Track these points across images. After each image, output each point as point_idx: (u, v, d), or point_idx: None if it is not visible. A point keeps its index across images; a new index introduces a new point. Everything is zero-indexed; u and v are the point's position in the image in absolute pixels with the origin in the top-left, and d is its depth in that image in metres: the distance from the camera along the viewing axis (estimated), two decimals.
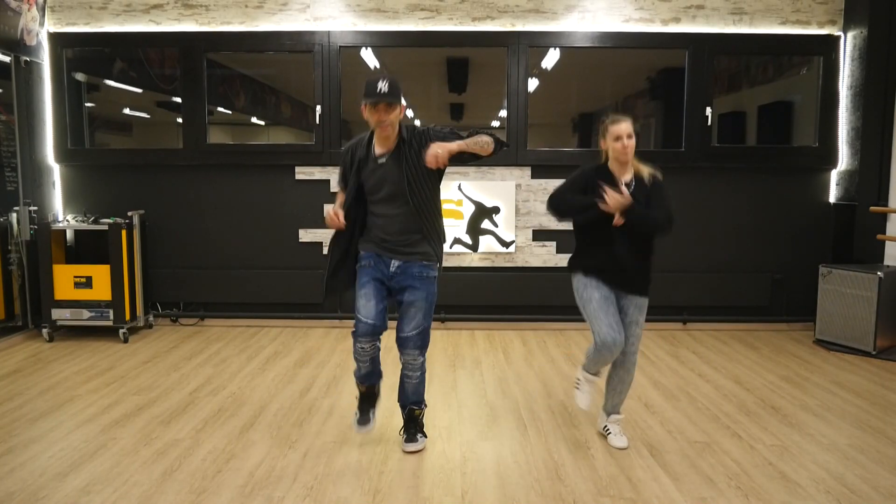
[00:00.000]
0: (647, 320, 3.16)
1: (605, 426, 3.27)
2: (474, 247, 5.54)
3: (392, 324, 3.06)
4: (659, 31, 5.38)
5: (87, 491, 2.73)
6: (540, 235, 5.58)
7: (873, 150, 5.21)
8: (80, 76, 5.70)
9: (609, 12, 5.37)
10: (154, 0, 5.42)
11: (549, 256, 5.58)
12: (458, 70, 6.01)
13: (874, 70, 5.16)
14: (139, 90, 5.88)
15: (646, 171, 3.04)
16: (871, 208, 5.09)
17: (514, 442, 3.27)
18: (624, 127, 2.95)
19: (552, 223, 5.55)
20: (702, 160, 5.47)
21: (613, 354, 3.01)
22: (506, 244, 5.54)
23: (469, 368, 4.49)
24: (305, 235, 5.59)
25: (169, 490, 2.74)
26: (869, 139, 5.22)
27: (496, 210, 5.50)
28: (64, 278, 5.08)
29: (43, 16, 5.39)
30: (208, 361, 4.60)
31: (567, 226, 5.60)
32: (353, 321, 3.01)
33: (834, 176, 5.56)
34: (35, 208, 5.19)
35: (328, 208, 3.00)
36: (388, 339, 3.18)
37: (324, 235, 5.55)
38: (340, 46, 5.38)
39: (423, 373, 3.16)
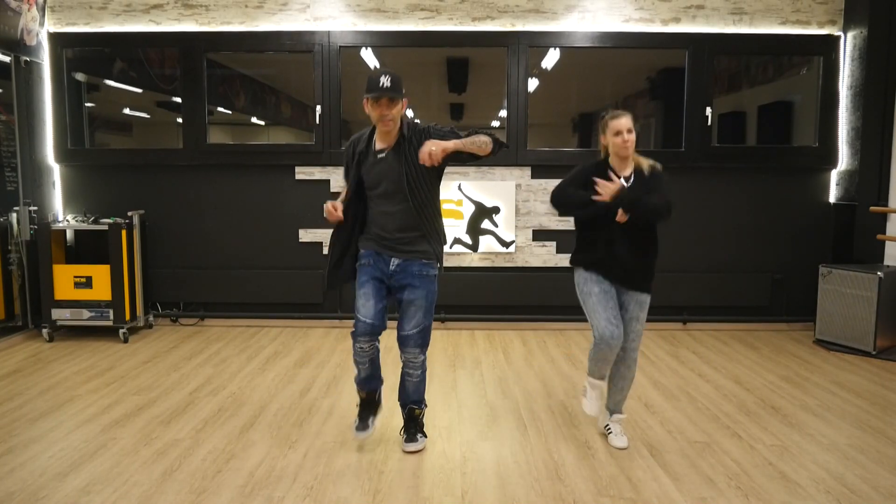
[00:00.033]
0: (647, 320, 3.16)
1: (607, 425, 3.27)
2: (474, 247, 5.54)
3: (392, 323, 3.06)
4: (659, 31, 5.39)
5: (87, 491, 2.73)
6: (540, 235, 5.58)
7: (873, 150, 5.21)
8: (80, 76, 5.70)
9: (609, 12, 5.37)
10: (154, 0, 5.42)
11: (549, 256, 5.58)
12: (458, 70, 6.01)
13: (874, 70, 5.16)
14: (139, 90, 5.88)
15: (645, 164, 3.04)
16: (871, 208, 5.09)
17: (514, 442, 3.27)
18: (624, 122, 2.95)
19: (552, 223, 5.55)
20: (702, 160, 5.47)
21: (612, 349, 3.00)
22: (506, 244, 5.54)
23: (469, 368, 4.49)
24: (305, 235, 5.59)
25: (169, 490, 2.75)
26: (869, 139, 5.22)
27: (496, 210, 5.50)
28: (64, 278, 5.08)
29: (43, 16, 5.39)
30: (208, 361, 4.60)
31: (567, 226, 5.63)
32: (353, 321, 3.01)
33: (834, 176, 5.56)
34: (35, 208, 5.19)
35: (327, 203, 3.02)
36: (388, 339, 3.18)
37: (324, 235, 5.55)
38: (340, 46, 5.38)
39: (424, 371, 3.16)
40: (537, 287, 5.55)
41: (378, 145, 2.97)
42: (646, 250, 3.05)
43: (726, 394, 3.98)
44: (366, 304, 2.99)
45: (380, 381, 3.19)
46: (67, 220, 5.33)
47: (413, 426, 3.19)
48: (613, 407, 3.25)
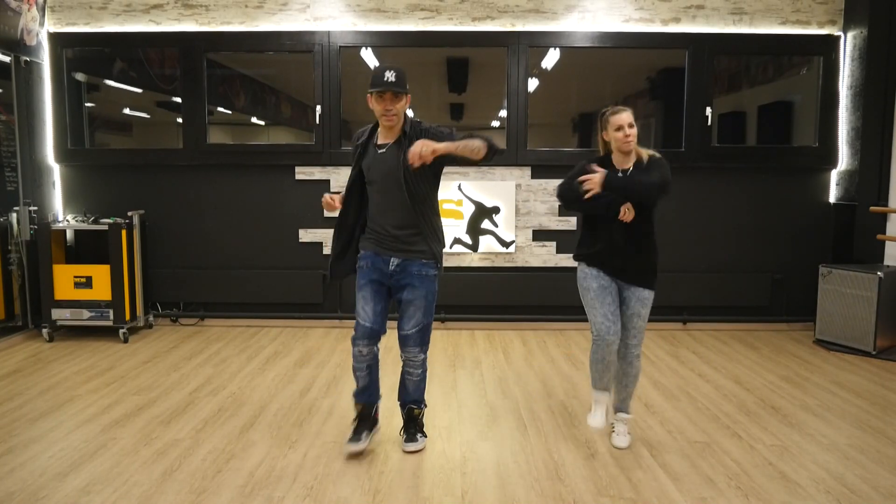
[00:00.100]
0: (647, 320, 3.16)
1: (612, 423, 3.27)
2: (474, 247, 5.54)
3: (393, 324, 3.06)
4: (659, 31, 5.39)
5: (87, 491, 2.73)
6: (540, 235, 5.58)
7: (873, 150, 5.21)
8: (80, 76, 5.70)
9: (609, 12, 5.37)
10: (154, 0, 5.42)
11: (549, 256, 5.58)
12: (458, 70, 6.00)
13: (874, 70, 5.16)
14: (139, 90, 5.88)
15: (646, 154, 3.04)
16: (871, 208, 5.09)
17: (514, 442, 3.27)
18: (625, 116, 2.95)
19: (552, 223, 5.56)
20: (702, 160, 5.47)
21: (610, 346, 3.00)
22: (506, 244, 5.54)
23: (469, 368, 4.49)
24: (305, 235, 5.59)
25: (169, 490, 2.75)
26: (869, 139, 5.22)
27: (496, 210, 5.51)
28: (64, 278, 5.08)
29: (43, 16, 5.39)
30: (208, 361, 4.60)
31: (567, 226, 5.63)
32: (354, 323, 3.02)
33: (834, 176, 5.56)
34: (35, 208, 5.19)
35: (326, 194, 3.04)
36: (389, 339, 3.18)
37: (324, 235, 5.55)
38: (340, 46, 5.38)
39: (424, 371, 3.16)
40: (537, 287, 5.55)
41: (380, 140, 2.99)
42: (643, 244, 3.04)
43: (726, 394, 3.98)
44: (364, 308, 3.00)
45: (376, 395, 3.18)
46: (67, 220, 5.33)
47: (413, 426, 3.19)
48: (619, 405, 3.25)
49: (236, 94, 6.13)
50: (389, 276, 3.01)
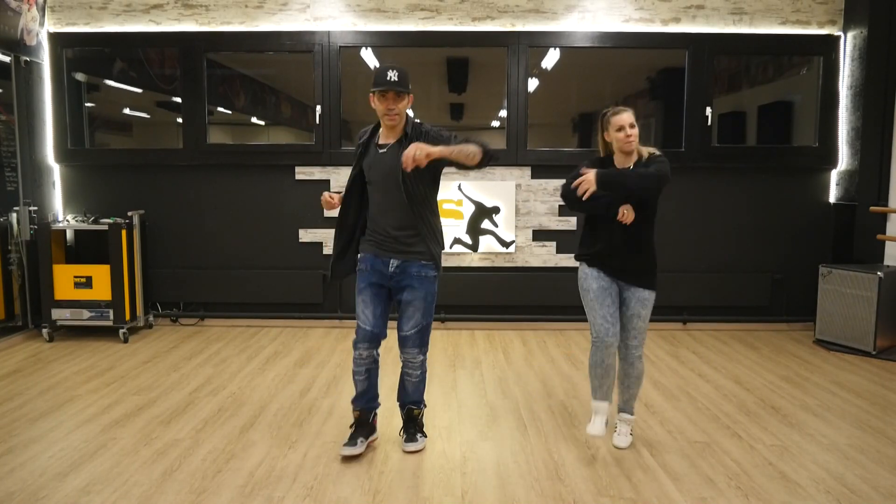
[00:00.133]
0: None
1: (615, 423, 3.27)
2: (474, 247, 5.54)
3: (392, 325, 3.06)
4: (659, 31, 5.39)
5: (87, 491, 2.73)
6: (540, 235, 5.58)
7: (873, 150, 5.21)
8: (80, 76, 5.70)
9: (609, 12, 5.37)
10: (154, 0, 5.42)
11: (549, 256, 5.58)
12: (458, 70, 6.00)
13: (874, 70, 5.16)
14: (139, 90, 5.88)
15: (646, 152, 3.04)
16: (871, 208, 5.09)
17: (514, 442, 3.27)
18: (626, 117, 2.95)
19: (552, 223, 5.56)
20: (702, 160, 5.47)
21: (608, 348, 3.00)
22: (506, 244, 5.54)
23: (469, 368, 4.49)
24: (305, 235, 5.59)
25: (169, 490, 2.75)
26: (869, 139, 5.22)
27: (496, 210, 5.51)
28: (64, 278, 5.08)
29: (43, 16, 5.39)
30: (208, 361, 4.60)
31: (567, 226, 5.63)
32: (354, 323, 3.02)
33: (834, 176, 5.56)
34: (35, 208, 5.19)
35: (325, 193, 3.05)
36: (389, 340, 3.17)
37: (324, 235, 5.55)
38: (340, 46, 5.38)
39: (424, 372, 3.16)
40: (537, 287, 5.55)
41: (381, 140, 2.99)
42: (642, 245, 3.03)
43: (726, 394, 3.98)
44: (364, 311, 3.01)
45: (374, 402, 3.18)
46: (67, 220, 5.33)
47: (412, 426, 3.19)
48: (622, 406, 3.25)
49: (236, 94, 6.13)
50: (389, 277, 3.01)
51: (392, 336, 3.11)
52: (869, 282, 4.78)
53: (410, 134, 2.92)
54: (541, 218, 5.55)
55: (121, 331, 5.07)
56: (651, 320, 3.18)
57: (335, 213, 3.12)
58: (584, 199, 2.88)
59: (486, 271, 5.60)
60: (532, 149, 5.48)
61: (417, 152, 2.65)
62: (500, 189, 5.49)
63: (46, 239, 5.07)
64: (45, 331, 5.06)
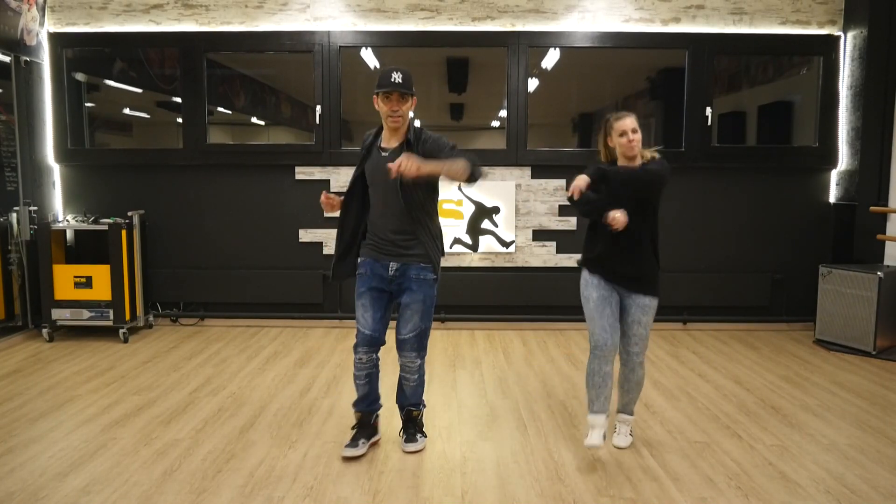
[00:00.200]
0: None
1: (615, 423, 3.27)
2: (474, 247, 5.54)
3: (393, 324, 3.07)
4: (659, 31, 5.39)
5: (87, 491, 2.73)
6: (540, 235, 5.58)
7: (873, 150, 5.21)
8: (80, 76, 5.70)
9: (609, 12, 5.37)
10: (154, 0, 5.42)
11: (548, 256, 5.58)
12: (458, 70, 6.00)
13: (874, 70, 5.16)
14: (139, 90, 5.88)
15: (648, 155, 3.04)
16: (871, 208, 5.09)
17: (514, 442, 3.27)
18: (629, 122, 2.94)
19: (552, 223, 5.56)
20: (702, 160, 5.47)
21: (606, 357, 2.99)
22: (506, 244, 5.54)
23: (469, 368, 4.49)
24: (305, 235, 5.59)
25: (169, 490, 2.75)
26: (869, 139, 5.22)
27: (496, 210, 5.51)
28: (64, 278, 5.08)
29: (43, 16, 5.39)
30: (208, 361, 4.60)
31: (567, 226, 5.63)
32: (353, 323, 3.02)
33: (834, 176, 5.56)
34: (35, 208, 5.19)
35: (323, 193, 3.06)
36: (388, 339, 3.18)
37: (324, 235, 5.55)
38: (340, 46, 5.38)
39: (422, 376, 3.16)
40: (537, 287, 5.55)
41: (383, 143, 3.00)
42: (643, 251, 3.02)
43: (726, 394, 3.98)
44: (364, 315, 3.02)
45: (376, 404, 3.18)
46: (67, 220, 5.33)
47: (412, 427, 3.19)
48: (622, 408, 3.25)
49: (236, 94, 6.13)
50: (389, 281, 3.01)
51: (392, 337, 3.11)
52: (869, 282, 4.78)
53: (412, 140, 2.93)
54: (541, 218, 5.55)
55: (121, 331, 5.07)
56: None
57: (333, 213, 3.12)
58: (575, 198, 2.88)
59: (486, 271, 5.60)
60: (532, 149, 5.48)
61: (408, 166, 2.65)
62: (500, 189, 5.49)
63: (46, 239, 5.07)
64: (45, 331, 5.06)
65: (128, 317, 5.11)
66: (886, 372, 4.43)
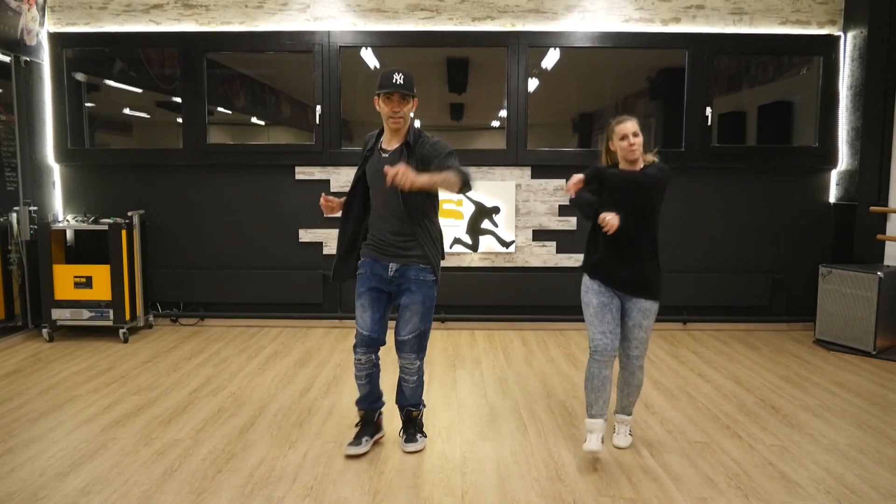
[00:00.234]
0: None
1: (614, 423, 3.28)
2: (474, 247, 5.54)
3: (392, 325, 3.06)
4: (659, 31, 5.39)
5: (87, 491, 2.73)
6: (540, 235, 5.58)
7: (873, 150, 5.21)
8: (80, 76, 5.70)
9: (609, 12, 5.37)
10: (154, 0, 5.42)
11: (549, 256, 5.58)
12: (458, 70, 6.00)
13: (874, 70, 5.16)
14: (139, 90, 5.88)
15: (650, 159, 3.04)
16: (871, 208, 5.09)
17: (514, 442, 3.27)
18: (630, 126, 2.94)
19: (552, 223, 5.56)
20: (702, 160, 5.47)
21: (605, 362, 2.98)
22: (506, 244, 5.54)
23: (469, 368, 4.49)
24: (305, 235, 5.59)
25: (169, 490, 2.75)
26: (869, 139, 5.22)
27: (496, 210, 5.51)
28: (64, 278, 5.08)
29: (43, 16, 5.39)
30: (208, 361, 4.60)
31: (567, 226, 5.63)
32: (353, 323, 3.02)
33: (834, 176, 5.56)
34: (35, 208, 5.19)
35: (322, 195, 3.07)
36: (388, 339, 3.18)
37: (324, 235, 5.55)
38: (340, 46, 5.38)
39: (421, 377, 3.16)
40: (537, 287, 5.55)
41: (384, 145, 3.00)
42: (643, 255, 3.01)
43: (726, 394, 3.98)
44: (362, 316, 3.02)
45: (378, 402, 3.19)
46: (67, 220, 5.33)
47: (412, 427, 3.19)
48: (621, 409, 3.25)
49: (236, 94, 6.13)
50: (389, 281, 3.01)
51: (391, 337, 3.11)
52: (869, 282, 4.78)
53: (412, 143, 2.93)
54: (541, 218, 5.55)
55: (121, 331, 5.07)
56: None
57: (336, 214, 3.12)
58: (572, 196, 2.91)
59: (486, 271, 5.60)
60: (532, 149, 5.48)
61: (402, 179, 2.65)
62: (500, 189, 5.49)
63: (46, 239, 5.07)
64: (45, 331, 5.06)
65: (128, 317, 5.11)
66: (886, 372, 4.43)
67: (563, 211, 5.51)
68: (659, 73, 5.89)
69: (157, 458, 3.03)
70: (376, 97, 2.91)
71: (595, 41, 5.38)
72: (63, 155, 5.55)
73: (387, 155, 2.96)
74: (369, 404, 3.16)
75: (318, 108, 5.43)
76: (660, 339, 5.22)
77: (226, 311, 5.65)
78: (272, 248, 5.61)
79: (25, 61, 5.16)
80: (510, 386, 4.13)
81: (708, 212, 5.56)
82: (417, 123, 3.17)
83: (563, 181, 5.44)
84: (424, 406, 3.26)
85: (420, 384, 3.17)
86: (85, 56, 5.65)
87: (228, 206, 5.60)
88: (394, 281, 3.01)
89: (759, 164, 5.53)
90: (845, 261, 5.33)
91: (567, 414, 3.64)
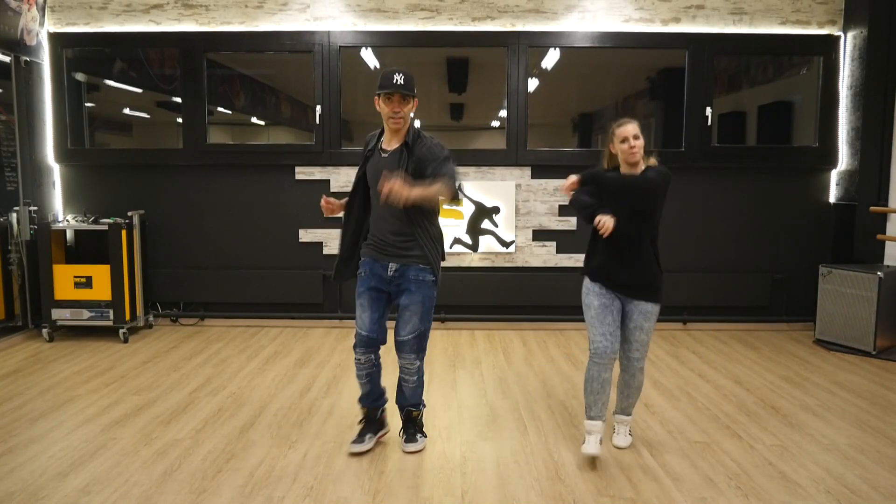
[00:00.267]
0: None
1: (614, 423, 3.28)
2: (474, 247, 5.54)
3: (392, 325, 3.07)
4: (659, 31, 5.39)
5: (87, 491, 2.73)
6: (540, 235, 5.58)
7: (873, 150, 5.21)
8: (80, 76, 5.70)
9: (609, 12, 5.37)
10: (154, 0, 5.42)
11: (549, 256, 5.58)
12: (458, 70, 6.00)
13: (874, 70, 5.16)
14: (139, 90, 5.88)
15: (651, 162, 3.04)
16: (871, 208, 5.09)
17: (514, 442, 3.27)
18: (630, 128, 2.94)
19: (552, 223, 5.56)
20: (702, 160, 5.47)
21: (605, 364, 2.98)
22: (506, 244, 5.54)
23: (469, 368, 4.49)
24: (305, 235, 5.59)
25: (169, 490, 2.75)
26: (869, 139, 5.22)
27: (496, 210, 5.51)
28: (64, 278, 5.08)
29: (43, 16, 5.39)
30: (208, 361, 4.60)
31: (567, 226, 5.63)
32: (353, 323, 3.02)
33: (834, 176, 5.56)
34: (35, 208, 5.19)
35: (323, 197, 3.08)
36: (388, 340, 3.18)
37: (324, 235, 5.55)
38: (340, 46, 5.38)
39: (421, 377, 3.16)
40: (537, 287, 5.55)
41: (384, 145, 3.01)
42: (643, 257, 3.01)
43: (726, 394, 3.98)
44: (362, 316, 3.03)
45: (381, 400, 3.20)
46: (67, 220, 5.33)
47: (412, 427, 3.19)
48: (621, 410, 3.25)
49: (236, 94, 6.13)
50: (388, 281, 3.02)
51: (391, 337, 3.11)
52: (869, 282, 4.78)
53: (411, 143, 2.94)
54: (541, 218, 5.55)
55: (121, 331, 5.07)
56: None
57: (339, 214, 3.13)
58: (568, 197, 2.94)
59: (486, 271, 5.60)
60: (532, 149, 5.48)
61: (396, 196, 2.66)
62: (500, 189, 5.49)
63: (46, 239, 5.07)
64: (45, 331, 5.06)
65: (128, 317, 5.11)
66: (886, 372, 4.43)
67: (563, 211, 5.51)
68: (659, 73, 5.89)
69: (157, 458, 3.03)
70: (376, 97, 2.92)
71: (595, 41, 5.38)
72: (63, 155, 5.55)
73: (386, 155, 2.97)
74: (371, 402, 3.17)
75: (318, 108, 5.43)
76: (660, 340, 5.22)
77: (226, 311, 5.65)
78: (272, 248, 5.61)
79: (25, 61, 5.16)
80: (510, 386, 4.13)
81: (708, 212, 5.56)
82: (418, 123, 3.17)
83: (563, 181, 5.44)
84: (424, 406, 3.26)
85: (420, 384, 3.17)
86: (85, 56, 5.65)
87: (228, 206, 5.60)
88: (393, 281, 3.01)
89: (758, 164, 5.53)
90: (845, 261, 5.33)
91: (567, 414, 3.64)
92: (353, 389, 3.93)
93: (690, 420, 3.56)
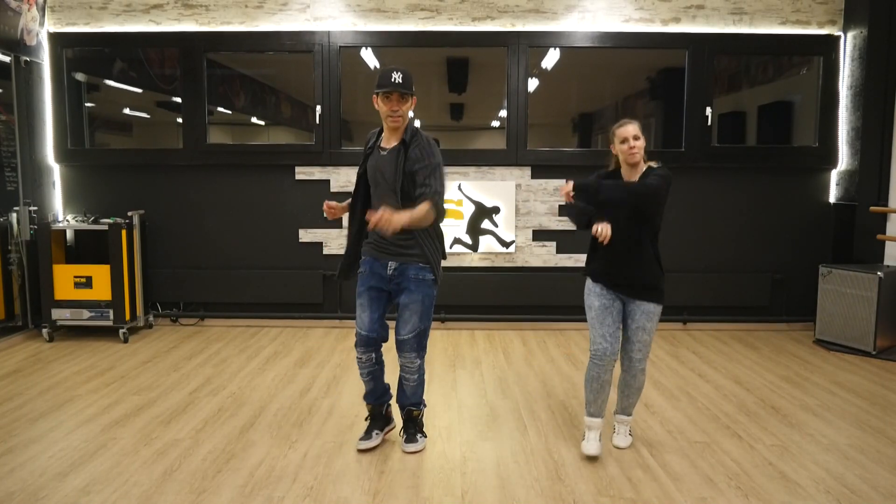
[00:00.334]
0: None
1: (614, 423, 3.28)
2: (474, 247, 5.54)
3: (392, 324, 3.07)
4: (659, 31, 5.39)
5: (87, 491, 2.73)
6: (540, 235, 5.58)
7: (873, 150, 5.21)
8: (80, 76, 5.70)
9: (609, 12, 5.37)
10: (154, 0, 5.42)
11: (549, 256, 5.58)
12: (458, 70, 6.00)
13: (874, 70, 5.16)
14: (139, 90, 5.88)
15: (652, 164, 3.03)
16: (871, 208, 5.09)
17: (514, 442, 3.27)
18: (630, 129, 2.94)
19: (552, 223, 5.56)
20: (702, 160, 5.47)
21: (605, 365, 2.98)
22: (506, 244, 5.54)
23: (469, 368, 4.49)
24: (305, 235, 5.59)
25: (169, 490, 2.75)
26: (869, 139, 5.22)
27: (496, 210, 5.51)
28: (64, 278, 5.08)
29: (43, 16, 5.39)
30: (208, 361, 4.60)
31: (567, 226, 5.63)
32: (353, 323, 3.02)
33: (834, 176, 5.56)
34: (35, 208, 5.19)
35: (326, 202, 3.09)
36: (389, 340, 3.18)
37: (324, 235, 5.55)
38: (340, 46, 5.38)
39: (421, 375, 3.17)
40: (537, 287, 5.55)
41: (383, 143, 3.02)
42: (644, 258, 3.00)
43: (726, 394, 3.98)
44: (361, 315, 3.04)
45: (385, 396, 3.22)
46: (67, 220, 5.33)
47: (412, 427, 3.19)
48: (621, 410, 3.25)
49: (236, 94, 6.13)
50: (388, 280, 3.02)
51: (392, 336, 3.11)
52: (869, 282, 4.78)
53: (409, 141, 2.95)
54: (541, 218, 5.55)
55: (121, 331, 5.07)
56: None
57: (342, 215, 3.15)
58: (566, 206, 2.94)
59: (486, 271, 5.60)
60: (532, 149, 5.48)
61: (385, 224, 2.66)
62: (500, 189, 5.49)
63: (46, 239, 5.07)
64: (45, 331, 5.06)
65: (128, 317, 5.11)
66: (886, 372, 4.43)
67: (563, 211, 5.51)
68: (659, 73, 5.89)
69: (157, 458, 3.03)
70: (375, 96, 2.93)
71: (595, 41, 5.38)
72: (63, 155, 5.55)
73: (385, 153, 2.98)
74: (376, 399, 3.18)
75: (318, 108, 5.43)
76: (660, 340, 5.22)
77: (226, 311, 5.65)
78: (272, 248, 5.61)
79: (25, 61, 5.16)
80: (510, 386, 4.13)
81: (708, 212, 5.56)
82: (418, 123, 3.18)
83: (562, 181, 5.44)
84: (425, 406, 3.27)
85: (421, 383, 3.17)
86: (85, 56, 5.65)
87: (228, 206, 5.60)
88: (393, 280, 3.01)
89: (758, 164, 5.53)
90: (845, 261, 5.33)
91: (567, 414, 3.64)
92: (352, 389, 3.94)
93: (690, 420, 3.56)
